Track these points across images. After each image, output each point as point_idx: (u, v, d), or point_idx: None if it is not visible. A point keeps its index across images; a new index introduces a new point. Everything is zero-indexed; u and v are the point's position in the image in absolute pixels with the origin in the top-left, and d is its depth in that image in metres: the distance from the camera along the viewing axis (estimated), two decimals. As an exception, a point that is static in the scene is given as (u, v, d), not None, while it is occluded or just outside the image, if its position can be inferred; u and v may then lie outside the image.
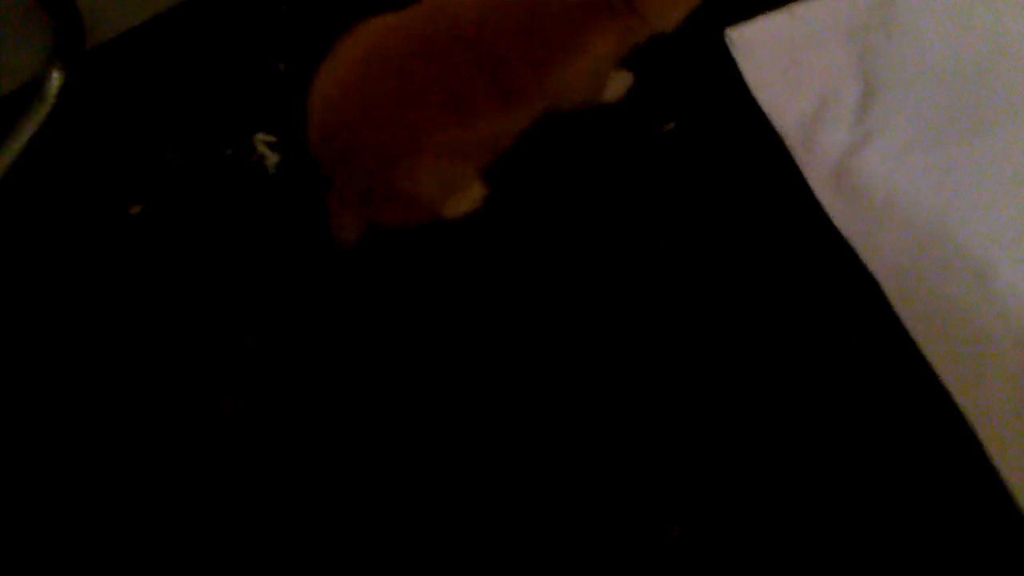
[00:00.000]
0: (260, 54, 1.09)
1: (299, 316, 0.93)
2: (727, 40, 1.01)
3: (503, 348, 0.88)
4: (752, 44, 1.00)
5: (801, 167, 0.93)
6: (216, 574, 0.80)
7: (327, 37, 0.85)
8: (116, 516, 0.83)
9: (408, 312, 0.92)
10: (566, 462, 0.81)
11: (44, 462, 0.86)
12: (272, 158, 1.02)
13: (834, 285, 0.87)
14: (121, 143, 1.04)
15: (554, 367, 0.86)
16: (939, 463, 0.77)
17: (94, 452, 0.86)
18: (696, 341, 0.86)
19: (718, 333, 0.86)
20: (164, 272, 0.96)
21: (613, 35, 0.87)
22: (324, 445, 0.85)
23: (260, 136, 1.03)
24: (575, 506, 0.79)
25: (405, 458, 0.83)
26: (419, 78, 0.86)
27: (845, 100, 0.96)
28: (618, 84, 1.01)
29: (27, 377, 0.91)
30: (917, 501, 0.76)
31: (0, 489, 0.85)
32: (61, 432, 0.87)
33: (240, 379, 0.89)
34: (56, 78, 1.04)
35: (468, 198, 0.98)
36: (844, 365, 0.83)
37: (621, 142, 0.98)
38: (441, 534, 0.79)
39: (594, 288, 0.90)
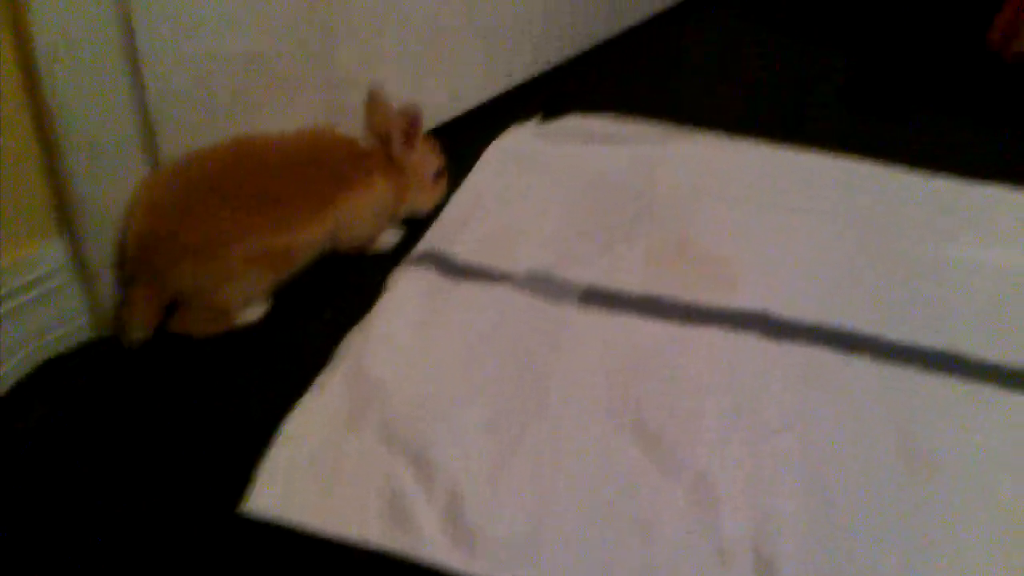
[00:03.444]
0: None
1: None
2: (250, 511, 0.88)
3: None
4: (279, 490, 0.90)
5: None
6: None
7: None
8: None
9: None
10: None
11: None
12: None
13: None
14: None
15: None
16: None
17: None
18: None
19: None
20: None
21: (390, 182, 1.17)
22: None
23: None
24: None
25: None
26: (232, 186, 1.02)
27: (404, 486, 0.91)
28: (390, 237, 1.23)
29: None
30: None
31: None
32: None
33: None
34: None
35: (255, 311, 1.08)
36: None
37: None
38: None
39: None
